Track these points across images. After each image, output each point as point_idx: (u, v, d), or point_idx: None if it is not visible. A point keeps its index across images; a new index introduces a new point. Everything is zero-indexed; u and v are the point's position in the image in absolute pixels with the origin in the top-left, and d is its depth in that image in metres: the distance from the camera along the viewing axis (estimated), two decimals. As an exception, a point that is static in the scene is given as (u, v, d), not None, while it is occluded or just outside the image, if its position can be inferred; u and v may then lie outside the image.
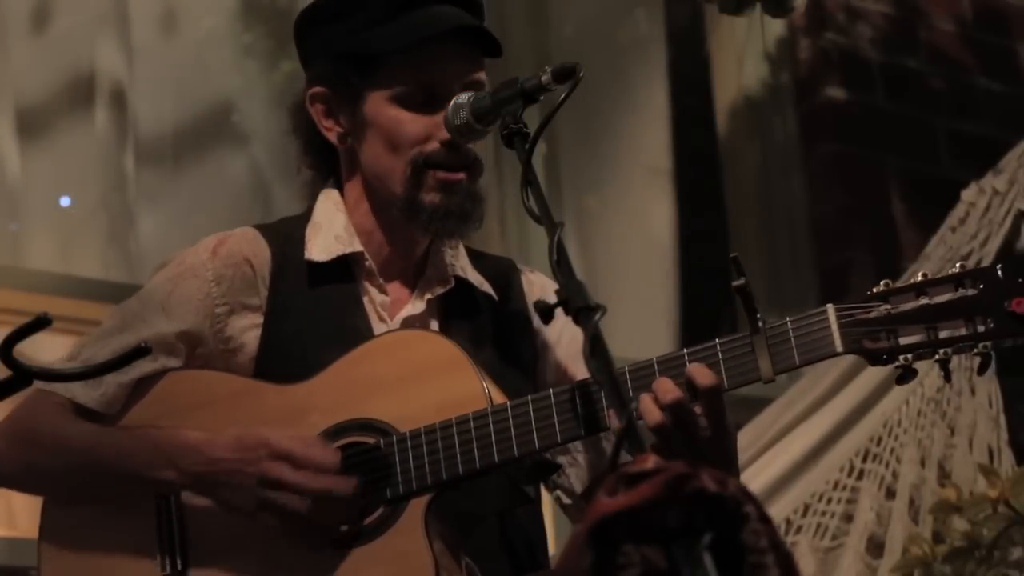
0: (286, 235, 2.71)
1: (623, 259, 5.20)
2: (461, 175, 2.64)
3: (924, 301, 2.40)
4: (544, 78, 2.51)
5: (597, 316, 2.24)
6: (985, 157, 4.77)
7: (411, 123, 2.64)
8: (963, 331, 2.38)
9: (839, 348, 2.42)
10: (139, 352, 2.18)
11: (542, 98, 2.54)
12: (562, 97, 2.48)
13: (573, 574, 1.76)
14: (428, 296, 2.69)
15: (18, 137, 4.42)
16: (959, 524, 4.13)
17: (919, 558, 4.11)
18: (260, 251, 2.68)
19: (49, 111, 4.54)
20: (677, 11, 5.51)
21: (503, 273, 2.78)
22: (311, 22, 2.74)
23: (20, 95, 4.48)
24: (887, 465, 4.30)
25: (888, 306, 2.41)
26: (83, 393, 2.59)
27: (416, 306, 2.69)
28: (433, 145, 2.63)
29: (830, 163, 5.30)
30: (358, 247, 2.68)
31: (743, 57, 5.46)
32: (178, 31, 4.81)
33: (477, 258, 2.79)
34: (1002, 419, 4.34)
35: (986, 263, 4.38)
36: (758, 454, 4.27)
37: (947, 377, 2.46)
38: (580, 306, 2.26)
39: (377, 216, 2.70)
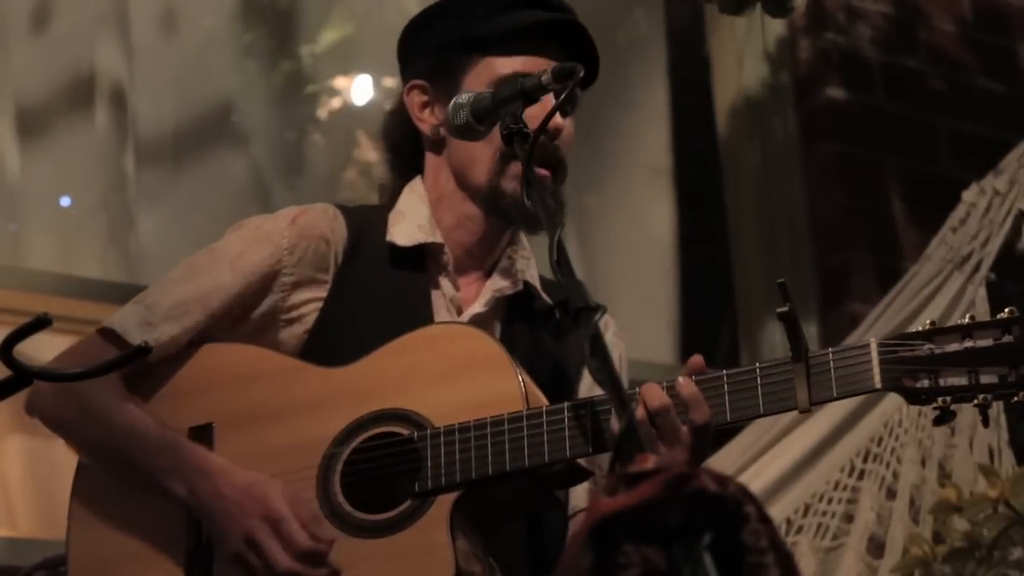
0: (365, 219, 2.75)
1: (623, 259, 5.20)
2: (546, 171, 2.66)
3: (968, 344, 2.39)
4: (544, 78, 2.51)
5: (597, 316, 2.24)
6: (985, 157, 4.76)
7: None
8: (1005, 377, 2.37)
9: (878, 384, 2.42)
10: (139, 352, 2.18)
11: (542, 98, 2.55)
12: (561, 97, 2.49)
13: (573, 574, 1.76)
14: (495, 295, 2.72)
15: (18, 137, 4.42)
16: (959, 524, 4.13)
17: (919, 558, 4.11)
18: (338, 228, 2.72)
19: (49, 111, 4.54)
20: (677, 11, 5.50)
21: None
22: (419, 25, 2.81)
23: (20, 95, 4.48)
24: (887, 465, 4.29)
25: (932, 345, 2.41)
26: (139, 335, 2.61)
27: (482, 303, 2.71)
28: None
29: (830, 163, 5.30)
30: (439, 239, 2.71)
31: (743, 57, 5.46)
32: (178, 31, 4.81)
33: (549, 283, 2.80)
34: (1002, 419, 4.34)
35: (987, 264, 4.39)
36: (758, 454, 4.27)
37: (985, 422, 2.47)
38: (580, 306, 2.26)
39: (460, 213, 2.74)
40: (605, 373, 2.20)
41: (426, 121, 2.77)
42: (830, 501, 4.28)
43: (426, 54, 2.78)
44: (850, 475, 4.29)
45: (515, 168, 2.64)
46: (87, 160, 4.52)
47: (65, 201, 4.57)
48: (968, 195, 4.59)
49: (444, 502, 2.49)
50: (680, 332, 5.14)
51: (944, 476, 4.28)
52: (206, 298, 2.65)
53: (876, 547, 4.24)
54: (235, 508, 2.51)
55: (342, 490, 2.54)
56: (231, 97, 4.90)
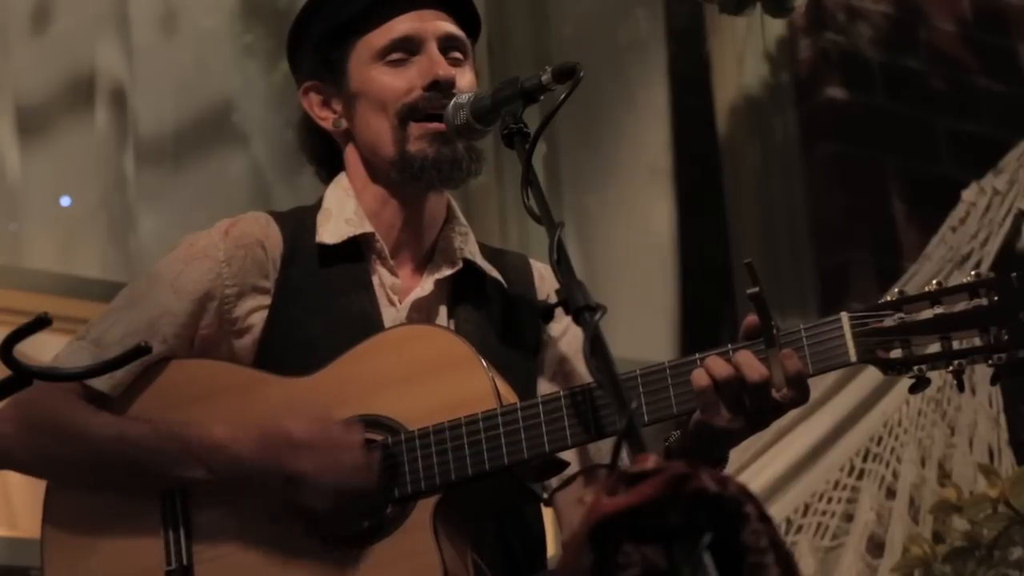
0: (298, 220, 2.73)
1: (623, 259, 5.20)
2: (440, 125, 2.65)
3: (939, 310, 2.39)
4: (544, 78, 2.51)
5: (597, 316, 2.24)
6: (985, 157, 4.77)
7: (393, 77, 2.69)
8: (978, 342, 2.37)
9: (853, 358, 2.41)
10: (139, 351, 2.18)
11: (542, 98, 2.55)
12: (562, 97, 2.49)
13: (573, 574, 1.76)
14: (436, 278, 2.69)
15: (18, 137, 4.42)
16: (959, 524, 4.14)
17: (919, 558, 4.11)
18: (272, 234, 2.69)
19: (49, 111, 4.54)
20: (677, 11, 5.51)
21: (514, 264, 2.80)
22: (294, 33, 2.81)
23: (20, 95, 4.48)
24: (887, 465, 4.30)
25: (902, 314, 2.40)
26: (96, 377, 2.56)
27: (424, 288, 2.68)
28: (416, 93, 2.67)
29: (830, 163, 5.30)
30: (369, 228, 2.69)
31: (743, 57, 5.46)
32: (178, 31, 4.82)
33: (491, 251, 2.80)
34: (1002, 419, 4.34)
35: (987, 263, 4.39)
36: (758, 454, 4.27)
37: (960, 387, 2.46)
38: (580, 306, 2.26)
39: (384, 197, 2.72)
40: (606, 374, 2.19)
41: (327, 118, 2.76)
42: (830, 501, 4.28)
43: (308, 54, 2.78)
44: (850, 475, 4.30)
45: (414, 130, 2.66)
46: (87, 160, 4.52)
47: (65, 201, 4.58)
48: (968, 194, 4.60)
49: (425, 506, 2.47)
50: (680, 332, 5.14)
51: (944, 476, 4.29)
52: (155, 325, 2.61)
53: (876, 547, 4.24)
54: (261, 463, 2.48)
55: None
56: (231, 97, 4.90)
